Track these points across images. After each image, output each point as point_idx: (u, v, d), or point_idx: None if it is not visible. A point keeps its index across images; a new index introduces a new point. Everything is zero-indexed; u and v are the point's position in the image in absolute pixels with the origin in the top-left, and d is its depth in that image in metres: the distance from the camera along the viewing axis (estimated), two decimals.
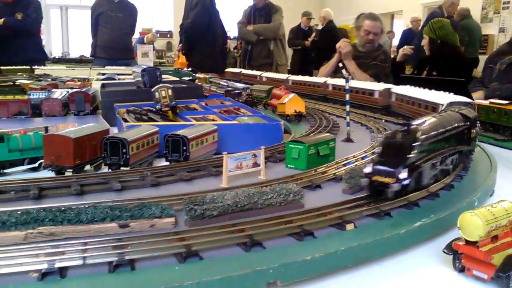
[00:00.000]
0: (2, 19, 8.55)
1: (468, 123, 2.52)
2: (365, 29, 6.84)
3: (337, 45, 6.90)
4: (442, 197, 2.14)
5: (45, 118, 4.04)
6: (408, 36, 12.09)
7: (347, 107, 3.37)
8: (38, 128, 2.80)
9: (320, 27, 12.50)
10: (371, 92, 4.66)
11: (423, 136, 2.02)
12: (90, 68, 7.59)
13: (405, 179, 1.89)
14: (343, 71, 3.64)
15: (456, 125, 2.36)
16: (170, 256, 1.44)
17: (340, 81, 5.37)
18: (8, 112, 4.06)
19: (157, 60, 13.96)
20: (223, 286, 1.34)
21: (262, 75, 7.47)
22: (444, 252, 1.62)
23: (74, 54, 16.18)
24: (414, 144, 1.96)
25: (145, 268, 1.39)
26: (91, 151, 2.57)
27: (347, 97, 3.33)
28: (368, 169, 1.98)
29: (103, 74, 6.51)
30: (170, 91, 3.58)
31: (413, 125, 2.10)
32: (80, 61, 12.74)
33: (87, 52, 14.41)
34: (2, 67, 7.84)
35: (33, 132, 2.70)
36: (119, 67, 7.81)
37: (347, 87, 3.33)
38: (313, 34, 12.35)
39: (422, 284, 1.59)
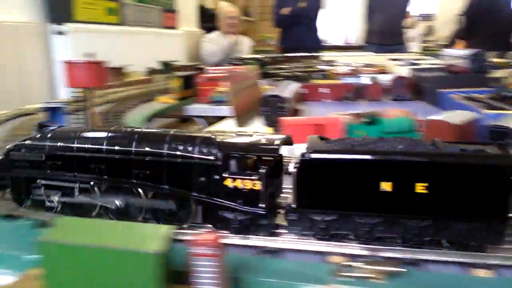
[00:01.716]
0: (290, 8, 9.16)
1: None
2: None
3: None
4: None
5: (369, 102, 4.15)
6: None
7: None
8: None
9: None
10: None
11: None
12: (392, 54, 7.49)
13: None
14: None
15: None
16: None
17: None
18: (333, 95, 4.31)
19: (420, 44, 13.33)
20: None
21: None
22: None
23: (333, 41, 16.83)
24: None
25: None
26: None
27: None
28: None
29: (394, 59, 6.41)
30: None
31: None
32: (347, 48, 13.15)
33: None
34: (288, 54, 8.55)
35: (400, 116, 2.73)
36: (399, 53, 7.63)
37: None
38: None
39: None
